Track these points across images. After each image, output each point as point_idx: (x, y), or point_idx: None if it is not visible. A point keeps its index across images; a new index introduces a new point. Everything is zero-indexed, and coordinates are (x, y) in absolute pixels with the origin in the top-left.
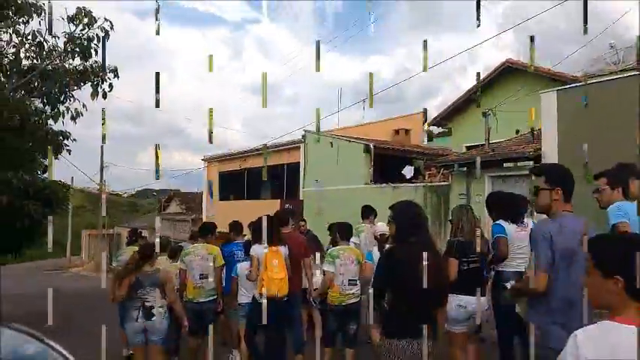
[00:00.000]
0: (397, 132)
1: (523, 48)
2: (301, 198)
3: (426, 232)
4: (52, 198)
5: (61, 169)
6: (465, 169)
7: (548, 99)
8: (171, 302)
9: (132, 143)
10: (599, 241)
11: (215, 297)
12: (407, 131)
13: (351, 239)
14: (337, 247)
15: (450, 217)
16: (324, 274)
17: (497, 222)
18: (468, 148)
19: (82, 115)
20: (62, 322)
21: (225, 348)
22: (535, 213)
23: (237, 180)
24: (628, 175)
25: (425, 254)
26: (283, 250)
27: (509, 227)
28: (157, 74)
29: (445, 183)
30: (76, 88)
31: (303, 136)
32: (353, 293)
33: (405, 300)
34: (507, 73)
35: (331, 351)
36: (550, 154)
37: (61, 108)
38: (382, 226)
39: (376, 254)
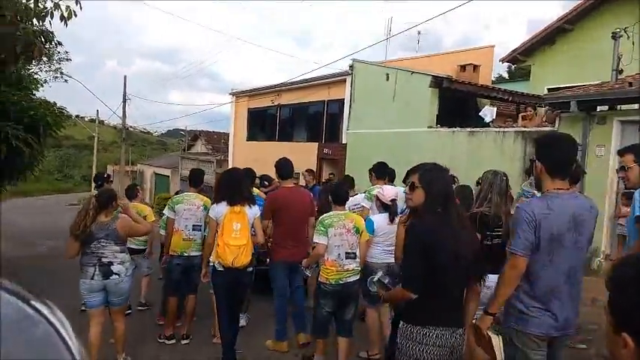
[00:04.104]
0: (463, 68)
1: None
2: (344, 142)
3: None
4: (39, 122)
5: (80, 99)
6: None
7: None
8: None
9: (163, 81)
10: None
11: None
12: (475, 67)
13: (362, 202)
14: (330, 212)
15: (479, 180)
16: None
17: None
18: (550, 90)
19: (76, 15)
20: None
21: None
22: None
23: (269, 118)
24: None
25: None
26: (250, 211)
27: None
28: None
29: (548, 128)
30: None
31: (351, 67)
32: (353, 269)
33: (439, 280)
34: None
35: (323, 342)
36: None
37: (47, 3)
38: (393, 190)
39: (382, 224)
